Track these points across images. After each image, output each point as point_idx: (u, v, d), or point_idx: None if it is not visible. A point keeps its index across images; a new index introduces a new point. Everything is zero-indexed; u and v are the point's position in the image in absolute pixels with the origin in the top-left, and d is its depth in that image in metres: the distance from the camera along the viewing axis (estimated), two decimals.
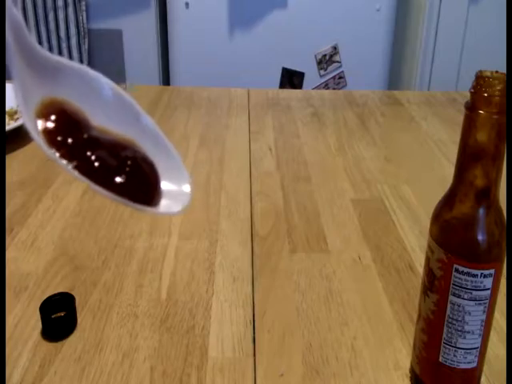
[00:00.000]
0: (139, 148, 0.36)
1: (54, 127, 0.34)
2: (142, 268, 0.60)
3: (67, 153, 0.33)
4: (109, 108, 0.36)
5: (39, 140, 0.32)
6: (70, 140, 0.33)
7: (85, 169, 0.33)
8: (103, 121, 0.36)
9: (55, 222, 0.68)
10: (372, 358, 0.49)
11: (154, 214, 0.35)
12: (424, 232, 0.67)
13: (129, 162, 0.34)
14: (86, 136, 0.34)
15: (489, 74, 0.37)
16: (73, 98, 0.35)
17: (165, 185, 0.36)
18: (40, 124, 0.33)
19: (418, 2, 2.00)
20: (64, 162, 0.33)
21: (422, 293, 0.43)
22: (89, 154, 0.33)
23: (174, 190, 0.37)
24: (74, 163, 0.33)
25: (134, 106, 0.37)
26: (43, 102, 0.34)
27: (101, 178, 0.33)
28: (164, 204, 0.36)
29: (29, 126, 0.32)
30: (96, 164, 0.33)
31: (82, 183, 0.32)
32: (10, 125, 0.87)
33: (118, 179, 0.33)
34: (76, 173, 0.32)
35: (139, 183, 0.35)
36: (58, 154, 0.33)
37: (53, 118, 0.34)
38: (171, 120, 1.02)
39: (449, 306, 0.41)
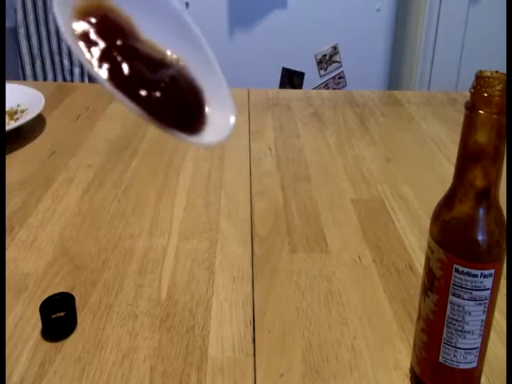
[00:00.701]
0: (189, 72, 0.33)
1: (91, 28, 0.30)
2: (142, 268, 0.60)
3: (99, 55, 0.30)
4: (166, 26, 0.34)
5: (65, 28, 0.29)
6: (104, 43, 0.30)
7: (116, 77, 0.29)
8: (155, 36, 0.33)
9: (55, 222, 0.68)
10: (372, 358, 0.49)
11: (186, 142, 0.32)
12: (424, 232, 0.67)
13: (166, 80, 0.31)
14: (122, 43, 0.31)
15: (489, 74, 0.37)
16: (124, 6, 0.33)
17: (208, 113, 0.34)
18: (75, 21, 0.30)
19: (418, 2, 2.00)
20: (90, 60, 0.29)
21: (422, 293, 0.43)
22: (121, 60, 0.30)
23: (216, 120, 0.34)
24: (105, 66, 0.29)
25: (193, 30, 0.35)
26: (87, 4, 0.31)
27: (131, 89, 0.29)
28: (205, 134, 0.33)
29: (57, 11, 0.29)
30: (127, 73, 0.30)
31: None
32: (9, 125, 0.87)
33: (151, 94, 0.30)
34: (103, 77, 0.29)
35: (175, 104, 0.32)
36: (86, 52, 0.29)
37: (92, 19, 0.31)
38: None
39: (449, 306, 0.41)
